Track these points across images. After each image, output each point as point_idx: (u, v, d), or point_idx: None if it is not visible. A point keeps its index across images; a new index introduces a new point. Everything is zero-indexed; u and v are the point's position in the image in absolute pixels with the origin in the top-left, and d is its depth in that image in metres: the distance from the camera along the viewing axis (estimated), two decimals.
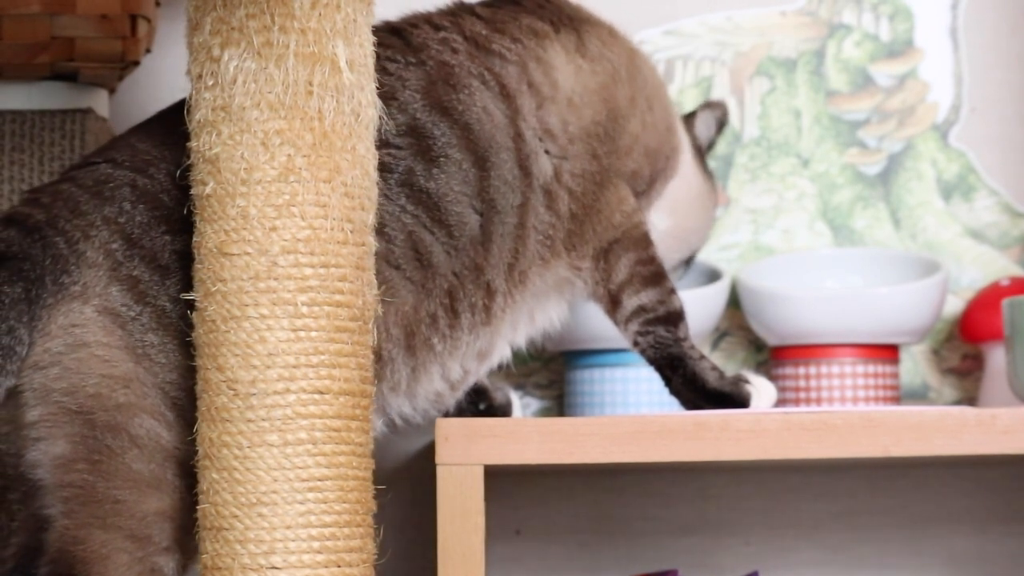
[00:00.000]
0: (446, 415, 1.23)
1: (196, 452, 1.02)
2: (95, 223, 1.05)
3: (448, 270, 1.13)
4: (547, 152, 1.17)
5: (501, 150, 1.14)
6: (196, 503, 1.01)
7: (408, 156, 1.12)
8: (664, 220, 1.28)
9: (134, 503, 1.03)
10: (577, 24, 1.22)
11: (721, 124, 1.35)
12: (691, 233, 1.31)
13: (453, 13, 1.21)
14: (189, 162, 1.01)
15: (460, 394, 1.20)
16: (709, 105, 1.35)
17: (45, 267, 1.03)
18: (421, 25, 1.18)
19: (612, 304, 1.20)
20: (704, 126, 1.33)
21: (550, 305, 1.21)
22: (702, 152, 1.33)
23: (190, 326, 1.02)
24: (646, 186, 1.24)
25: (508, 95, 1.16)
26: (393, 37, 1.16)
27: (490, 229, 1.14)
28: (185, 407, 1.03)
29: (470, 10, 1.21)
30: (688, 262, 1.35)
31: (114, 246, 1.05)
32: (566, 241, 1.18)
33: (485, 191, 1.14)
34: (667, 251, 1.28)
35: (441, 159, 1.13)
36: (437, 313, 1.13)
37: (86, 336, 1.03)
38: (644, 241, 1.21)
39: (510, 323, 1.18)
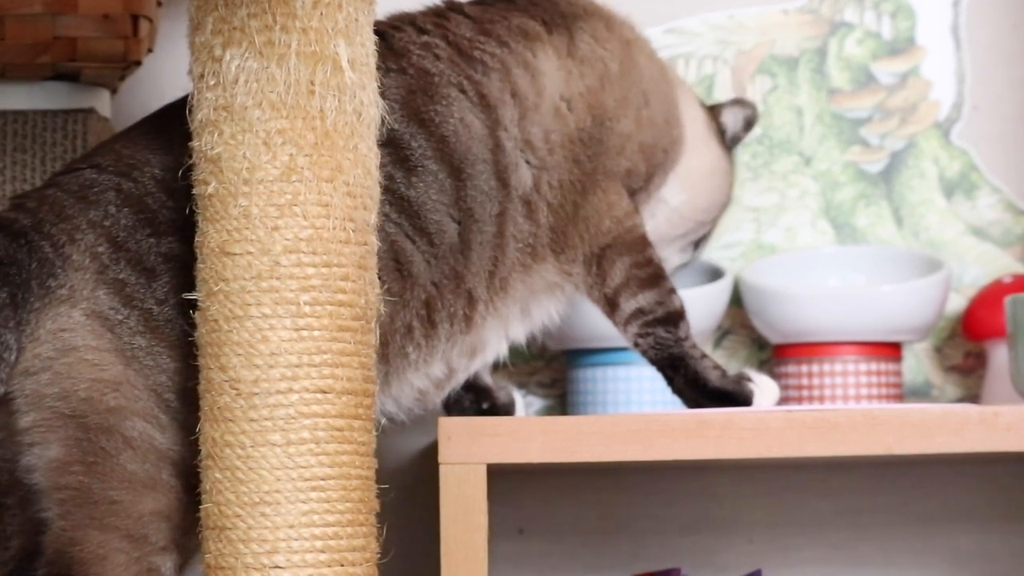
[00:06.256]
0: (448, 413, 1.23)
1: (189, 453, 1.01)
2: (80, 227, 1.05)
3: (427, 280, 1.12)
4: (528, 163, 1.16)
5: (477, 161, 1.13)
6: (193, 503, 1.01)
7: (389, 164, 1.10)
8: (676, 196, 1.26)
9: (130, 503, 1.03)
10: (571, 22, 1.20)
11: (749, 123, 1.33)
12: (701, 211, 1.29)
13: (439, 14, 1.19)
14: (191, 162, 1.01)
15: (447, 391, 1.19)
16: (739, 102, 1.34)
17: (31, 271, 1.03)
18: (405, 28, 1.17)
19: (610, 307, 1.19)
20: (732, 117, 1.31)
21: (544, 304, 1.20)
22: (724, 134, 1.31)
23: (177, 329, 1.03)
24: (644, 181, 1.23)
25: (488, 105, 1.15)
26: (377, 39, 1.15)
27: (469, 238, 1.13)
28: (177, 409, 1.03)
29: (459, 9, 1.19)
30: (698, 244, 1.32)
31: (100, 249, 1.04)
32: (551, 246, 1.17)
33: (462, 200, 1.13)
34: (674, 228, 1.27)
35: (419, 169, 1.12)
36: (412, 324, 1.12)
37: (75, 340, 1.03)
38: (639, 244, 1.20)
39: (495, 326, 1.17)
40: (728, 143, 1.32)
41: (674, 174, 1.25)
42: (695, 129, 1.27)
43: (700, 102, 1.31)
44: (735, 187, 1.44)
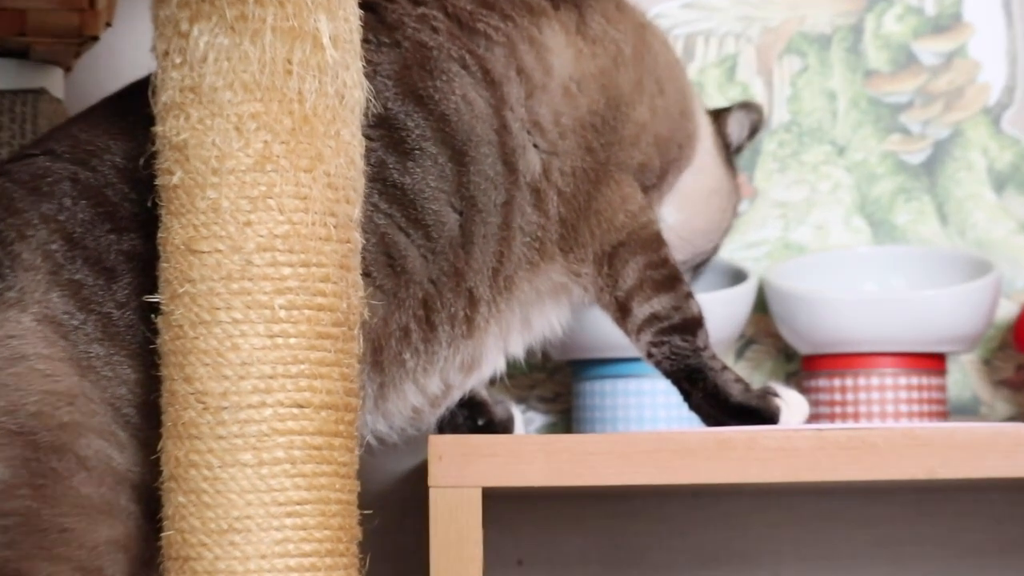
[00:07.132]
0: (440, 431, 1.21)
1: (151, 474, 0.99)
2: (32, 222, 1.02)
3: (424, 277, 1.10)
4: (535, 146, 1.13)
5: (482, 143, 1.11)
6: (154, 531, 0.98)
7: (380, 148, 1.08)
8: (673, 215, 1.23)
9: (83, 532, 0.99)
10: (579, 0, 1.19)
11: (754, 129, 1.31)
12: (700, 234, 1.26)
13: None
14: (154, 149, 0.98)
15: (442, 410, 1.17)
16: (745, 106, 1.31)
17: None
18: None
19: (621, 312, 1.16)
20: (738, 126, 1.29)
21: (547, 311, 1.18)
22: (728, 148, 1.29)
23: (140, 335, 1.00)
24: (657, 179, 1.19)
25: (493, 82, 1.12)
26: (366, 13, 1.11)
27: (471, 230, 1.11)
28: (138, 425, 1.01)
29: None
30: (696, 270, 1.31)
31: (54, 247, 1.02)
32: (560, 243, 1.15)
33: (464, 187, 1.10)
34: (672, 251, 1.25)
35: (415, 152, 1.09)
36: (409, 326, 1.10)
37: (25, 348, 1.00)
38: (654, 242, 1.17)
39: (496, 334, 1.14)
40: (732, 154, 1.30)
41: (675, 190, 1.22)
42: (703, 134, 1.25)
43: (705, 108, 1.29)
44: (760, 180, 1.39)
